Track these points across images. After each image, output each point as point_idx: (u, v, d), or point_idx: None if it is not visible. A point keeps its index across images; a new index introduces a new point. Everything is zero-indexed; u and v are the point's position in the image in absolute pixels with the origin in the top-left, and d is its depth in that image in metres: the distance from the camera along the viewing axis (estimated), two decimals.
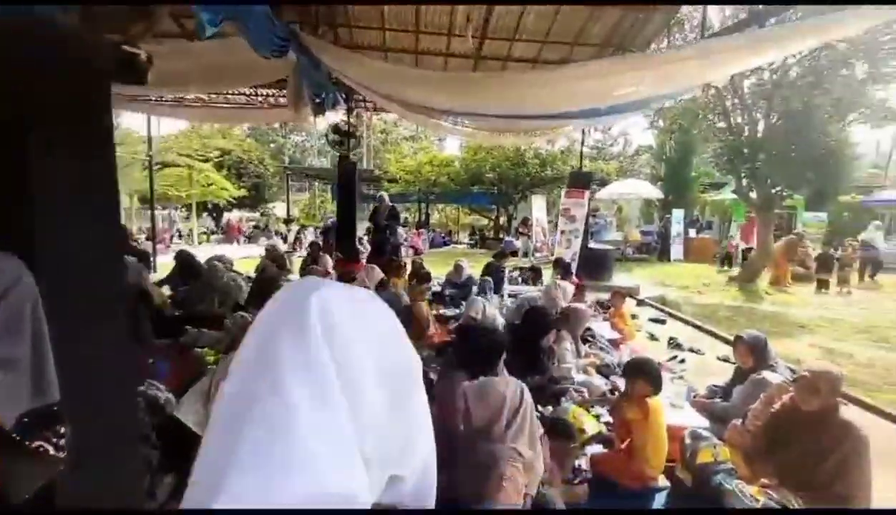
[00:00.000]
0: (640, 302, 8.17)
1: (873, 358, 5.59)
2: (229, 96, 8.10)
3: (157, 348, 4.30)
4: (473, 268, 7.29)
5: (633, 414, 2.74)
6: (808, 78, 9.38)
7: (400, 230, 8.50)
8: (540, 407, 3.25)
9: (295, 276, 6.82)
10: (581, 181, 9.57)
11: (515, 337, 3.66)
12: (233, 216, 25.78)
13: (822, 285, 10.25)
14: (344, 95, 6.15)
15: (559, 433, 2.85)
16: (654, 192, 16.25)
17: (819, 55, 9.01)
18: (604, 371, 4.15)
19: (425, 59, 6.26)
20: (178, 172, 18.75)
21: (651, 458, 2.64)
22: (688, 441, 2.72)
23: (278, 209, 28.34)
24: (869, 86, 9.41)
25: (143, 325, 4.46)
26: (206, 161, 19.38)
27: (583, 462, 2.90)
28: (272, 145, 35.97)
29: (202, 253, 7.07)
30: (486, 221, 24.84)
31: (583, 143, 11.11)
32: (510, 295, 6.61)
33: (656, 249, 16.02)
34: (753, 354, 3.13)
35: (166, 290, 6.10)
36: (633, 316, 6.84)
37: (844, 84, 9.21)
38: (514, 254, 15.58)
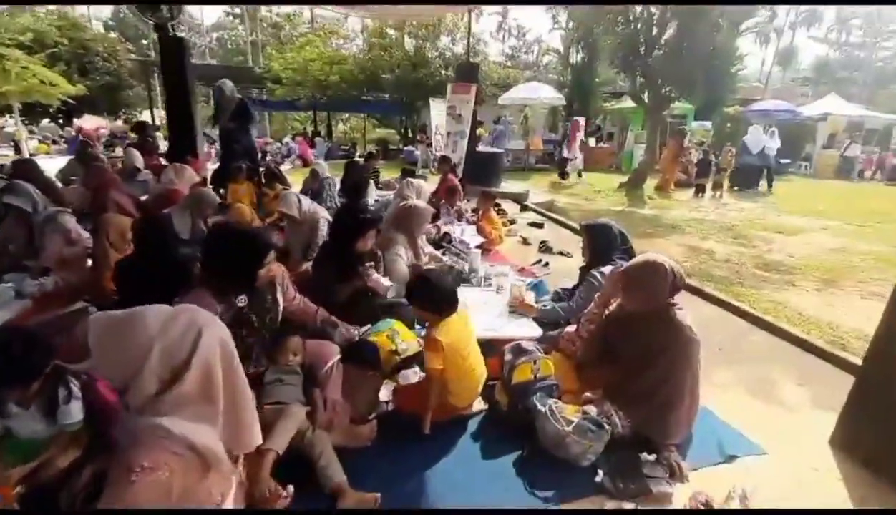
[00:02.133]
0: (525, 208, 7.75)
1: (730, 254, 5.68)
2: None
3: None
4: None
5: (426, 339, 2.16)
6: None
7: (253, 131, 6.99)
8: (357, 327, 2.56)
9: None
10: (467, 74, 8.53)
11: (327, 244, 2.86)
12: (84, 122, 21.36)
13: (700, 189, 10.64)
14: None
15: (353, 359, 2.17)
16: (558, 99, 15.65)
17: None
18: (456, 278, 3.56)
19: None
20: None
21: (451, 382, 2.05)
22: (507, 357, 2.18)
23: (147, 116, 23.92)
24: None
25: None
26: (23, 48, 15.12)
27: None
28: (144, 42, 29.59)
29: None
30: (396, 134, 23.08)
31: (469, 30, 9.89)
32: (377, 200, 5.75)
33: (556, 158, 15.83)
34: (592, 245, 2.62)
35: None
36: (513, 221, 6.39)
37: None
38: (414, 164, 14.57)
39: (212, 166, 7.97)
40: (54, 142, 19.11)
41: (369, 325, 2.54)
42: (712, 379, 2.57)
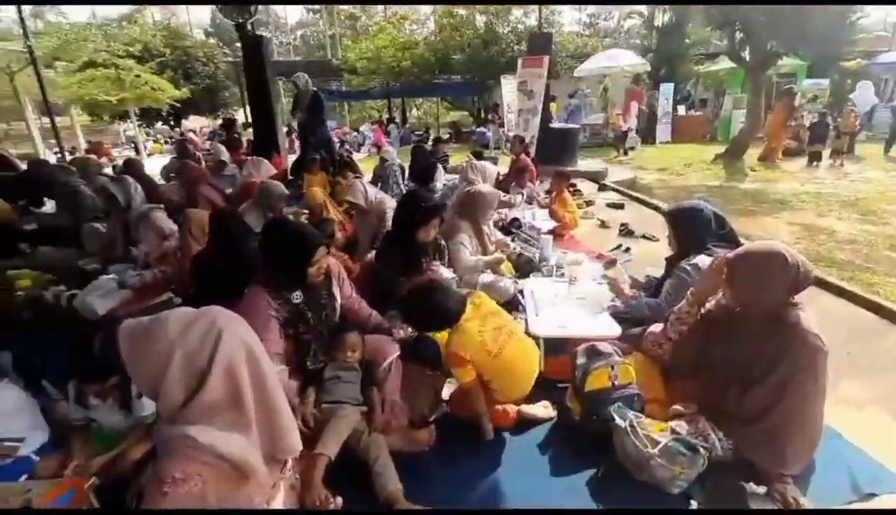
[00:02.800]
0: (603, 187, 7.18)
1: (857, 233, 4.79)
2: None
3: None
4: None
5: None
6: None
7: (331, 122, 7.18)
8: None
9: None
10: (539, 46, 8.00)
11: (390, 233, 2.77)
12: (190, 122, 23.62)
13: (815, 158, 9.20)
14: None
15: (415, 356, 2.07)
16: (641, 65, 14.27)
17: None
18: (525, 267, 3.33)
19: None
20: (104, 73, 16.49)
21: (492, 382, 1.88)
22: (580, 359, 1.93)
23: (241, 114, 25.92)
24: None
25: None
26: (134, 58, 16.98)
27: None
28: (238, 44, 31.95)
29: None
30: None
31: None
32: (444, 185, 5.62)
33: (641, 131, 14.60)
34: (679, 233, 2.24)
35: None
36: (589, 203, 5.93)
37: None
38: (486, 145, 14.25)
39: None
40: (166, 142, 21.41)
41: None
42: (839, 393, 2.11)
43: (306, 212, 4.34)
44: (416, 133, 19.43)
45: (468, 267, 2.87)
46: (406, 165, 6.22)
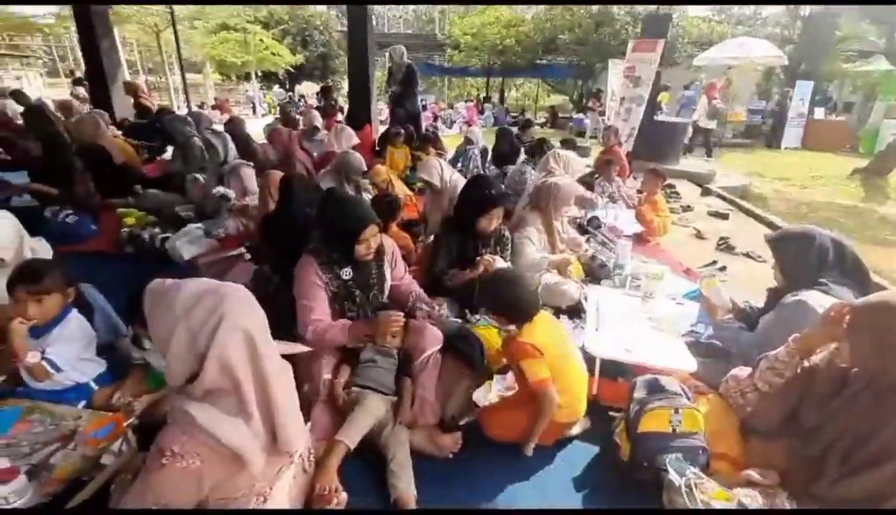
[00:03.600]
0: (707, 192, 6.40)
1: None
2: None
3: (81, 203, 3.90)
4: None
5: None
6: None
7: (428, 97, 7.18)
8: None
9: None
10: (654, 28, 7.20)
11: (450, 218, 2.64)
12: (303, 88, 25.15)
13: None
14: None
15: (458, 350, 1.96)
16: (776, 57, 12.31)
17: None
18: (597, 272, 3.04)
19: None
20: (234, 37, 18.05)
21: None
22: (638, 392, 1.69)
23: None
24: None
25: (78, 176, 4.05)
26: (266, 26, 18.36)
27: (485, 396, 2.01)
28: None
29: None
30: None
31: None
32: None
33: (765, 132, 12.87)
34: (783, 262, 1.84)
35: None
36: (687, 208, 5.31)
37: None
38: (582, 133, 13.48)
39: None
40: (278, 105, 23.07)
41: (479, 316, 2.28)
42: None
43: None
44: (511, 114, 18.93)
45: (531, 264, 2.66)
46: (491, 147, 6.02)
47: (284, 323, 2.06)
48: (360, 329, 1.88)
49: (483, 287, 1.90)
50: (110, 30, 8.21)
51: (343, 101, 12.29)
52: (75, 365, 1.67)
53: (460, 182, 3.43)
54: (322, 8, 27.27)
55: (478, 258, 2.33)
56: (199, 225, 3.58)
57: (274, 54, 18.96)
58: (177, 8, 13.13)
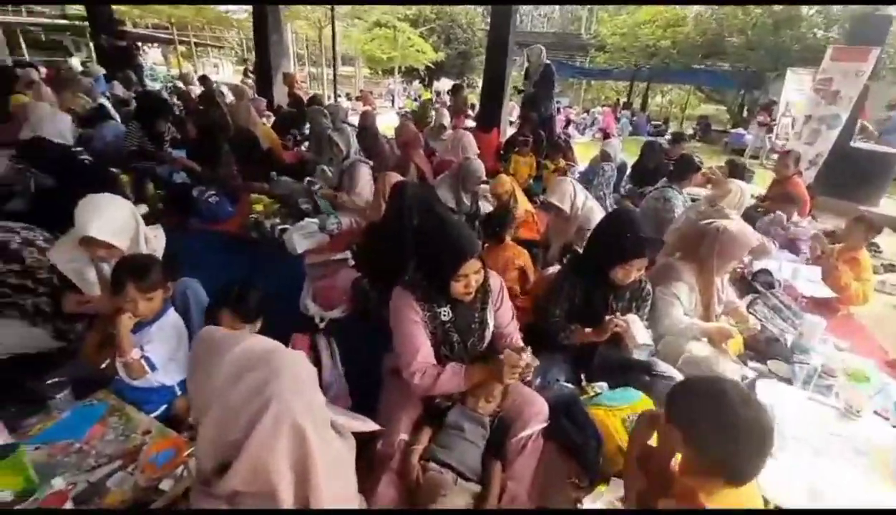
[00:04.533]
0: None
1: None
2: None
3: (223, 184, 4.22)
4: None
5: None
6: None
7: (563, 100, 6.67)
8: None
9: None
10: (865, 32, 5.64)
11: (578, 257, 2.19)
12: (441, 85, 25.98)
13: None
14: None
15: (560, 435, 1.56)
16: None
17: None
18: (762, 348, 2.34)
19: None
20: (384, 33, 19.16)
21: None
22: None
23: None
24: None
25: (224, 158, 4.41)
26: (414, 23, 19.20)
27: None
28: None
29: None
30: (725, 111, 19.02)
31: None
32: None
33: None
34: None
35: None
36: (891, 267, 4.05)
37: None
38: (741, 152, 11.59)
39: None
40: (415, 100, 24.10)
41: (600, 390, 1.81)
42: None
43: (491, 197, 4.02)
44: (654, 123, 17.17)
45: (676, 330, 2.09)
46: (630, 162, 5.30)
47: (380, 346, 1.86)
48: (477, 373, 1.56)
49: (679, 402, 1.10)
50: (280, 25, 9.09)
51: (475, 99, 12.24)
52: (165, 366, 1.63)
53: (595, 210, 2.95)
54: (469, 6, 27.72)
55: (608, 317, 1.85)
56: (314, 219, 3.61)
57: (418, 51, 19.75)
58: (338, 6, 14.24)
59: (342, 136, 3.72)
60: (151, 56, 22.89)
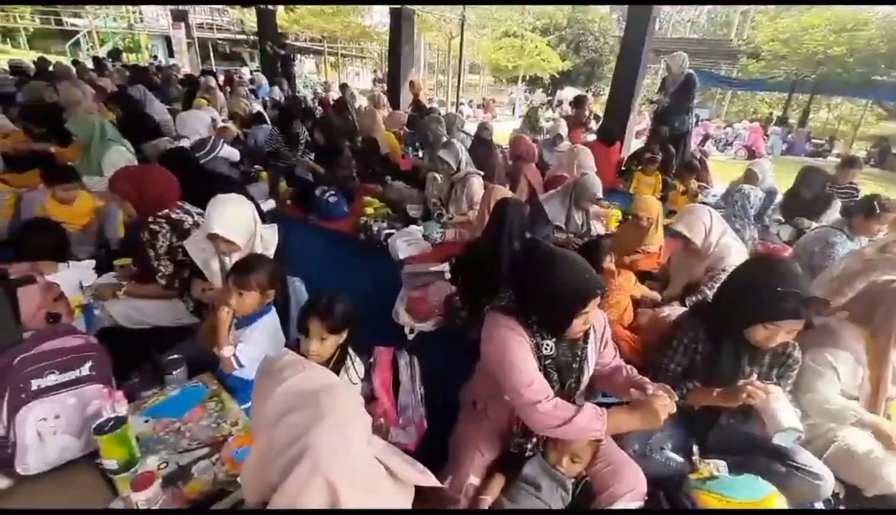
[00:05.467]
0: None
1: None
2: None
3: (341, 185, 4.49)
4: None
5: None
6: None
7: (701, 112, 5.99)
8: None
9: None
10: None
11: (705, 308, 1.84)
12: (564, 93, 25.32)
13: None
14: None
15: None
16: None
17: None
18: None
19: None
20: (511, 43, 19.21)
21: None
22: None
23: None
24: None
25: (344, 161, 4.70)
26: (544, 32, 18.95)
27: None
28: None
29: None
30: None
31: None
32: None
33: None
34: None
35: None
36: None
37: None
38: None
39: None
40: (539, 108, 23.72)
41: (717, 471, 1.48)
42: None
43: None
44: (815, 141, 14.62)
45: (823, 411, 1.65)
46: (781, 191, 4.49)
47: (464, 369, 1.76)
48: (624, 419, 1.36)
49: None
50: (413, 37, 9.59)
51: (599, 110, 11.50)
52: (253, 366, 1.71)
53: (733, 249, 2.50)
54: (604, 10, 26.56)
55: (741, 382, 1.51)
56: (418, 227, 3.65)
57: (543, 60, 19.44)
58: (468, 16, 14.61)
59: (450, 153, 3.70)
60: (307, 66, 25.85)
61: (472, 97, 21.30)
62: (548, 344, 1.46)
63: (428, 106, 8.81)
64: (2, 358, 1.49)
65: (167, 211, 2.17)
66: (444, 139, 4.98)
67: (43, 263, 2.00)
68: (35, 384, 1.43)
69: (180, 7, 18.15)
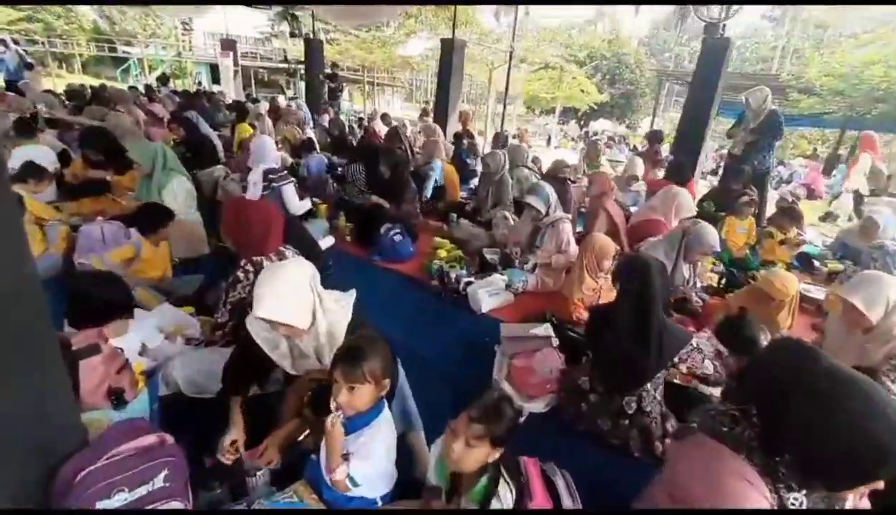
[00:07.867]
0: None
1: None
2: None
3: (405, 222, 4.16)
4: None
5: None
6: None
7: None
8: None
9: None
10: None
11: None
12: (598, 125, 25.05)
13: None
14: None
15: None
16: None
17: None
18: None
19: None
20: (549, 74, 19.08)
21: None
22: None
23: (646, 124, 25.48)
24: None
25: (408, 195, 4.39)
26: (581, 64, 18.81)
27: None
28: (667, 54, 31.53)
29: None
30: None
31: None
32: None
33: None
34: None
35: None
36: None
37: None
38: None
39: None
40: (572, 140, 23.41)
41: None
42: None
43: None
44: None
45: None
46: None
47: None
48: None
49: None
50: (462, 68, 9.47)
51: (636, 141, 10.93)
52: (371, 482, 1.32)
53: None
54: (636, 45, 26.39)
55: None
56: (502, 275, 3.25)
57: (582, 91, 19.23)
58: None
59: (539, 198, 3.30)
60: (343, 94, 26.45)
61: (506, 127, 21.19)
62: (796, 498, 1.02)
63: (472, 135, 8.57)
64: (62, 469, 1.14)
65: (262, 257, 1.85)
66: (533, 181, 4.57)
67: (114, 324, 1.66)
68: (100, 505, 1.09)
69: (230, 36, 18.79)
